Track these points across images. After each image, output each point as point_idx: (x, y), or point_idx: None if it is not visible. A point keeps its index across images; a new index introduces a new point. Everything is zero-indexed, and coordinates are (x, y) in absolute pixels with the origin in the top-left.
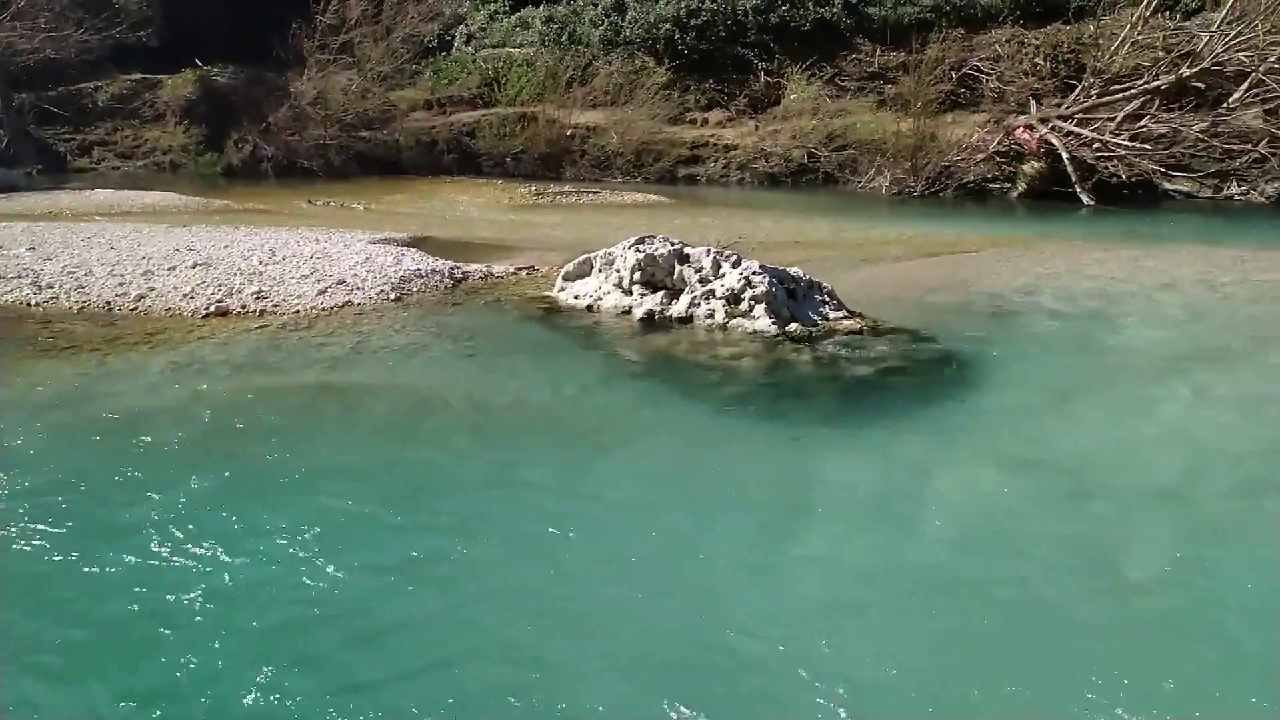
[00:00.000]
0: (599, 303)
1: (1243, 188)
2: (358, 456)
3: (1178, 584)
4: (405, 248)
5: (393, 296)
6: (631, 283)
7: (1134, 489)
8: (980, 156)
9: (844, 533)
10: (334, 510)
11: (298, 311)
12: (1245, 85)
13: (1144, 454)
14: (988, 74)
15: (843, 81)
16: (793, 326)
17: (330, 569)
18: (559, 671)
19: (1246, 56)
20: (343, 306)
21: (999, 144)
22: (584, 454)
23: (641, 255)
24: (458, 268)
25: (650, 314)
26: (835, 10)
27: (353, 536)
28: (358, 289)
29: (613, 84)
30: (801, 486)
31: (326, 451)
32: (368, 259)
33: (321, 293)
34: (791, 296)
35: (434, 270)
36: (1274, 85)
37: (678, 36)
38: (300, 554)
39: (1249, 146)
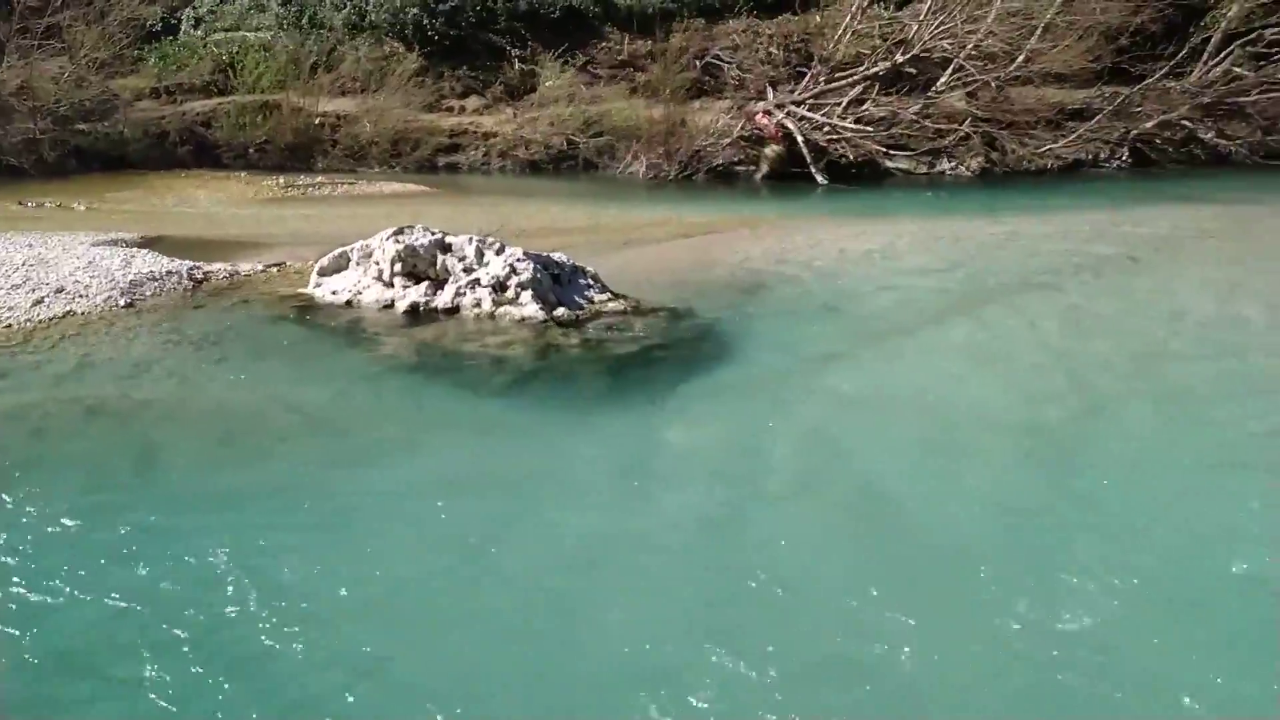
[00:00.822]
0: (359, 297)
1: (952, 164)
2: (86, 483)
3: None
4: (136, 249)
5: (123, 303)
6: (393, 275)
7: (881, 434)
8: (727, 141)
9: (606, 502)
10: (54, 540)
11: (9, 326)
12: (949, 70)
13: (887, 406)
14: (728, 62)
15: (595, 69)
16: (560, 311)
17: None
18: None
19: (949, 44)
20: (64, 317)
21: (742, 129)
22: (350, 453)
23: (401, 246)
24: (198, 268)
25: (414, 306)
26: None
27: (86, 565)
28: (81, 296)
29: (361, 70)
30: (570, 463)
31: (44, 480)
32: (91, 263)
33: (38, 303)
34: (557, 281)
35: (170, 271)
36: (972, 70)
37: (426, 22)
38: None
39: (956, 126)
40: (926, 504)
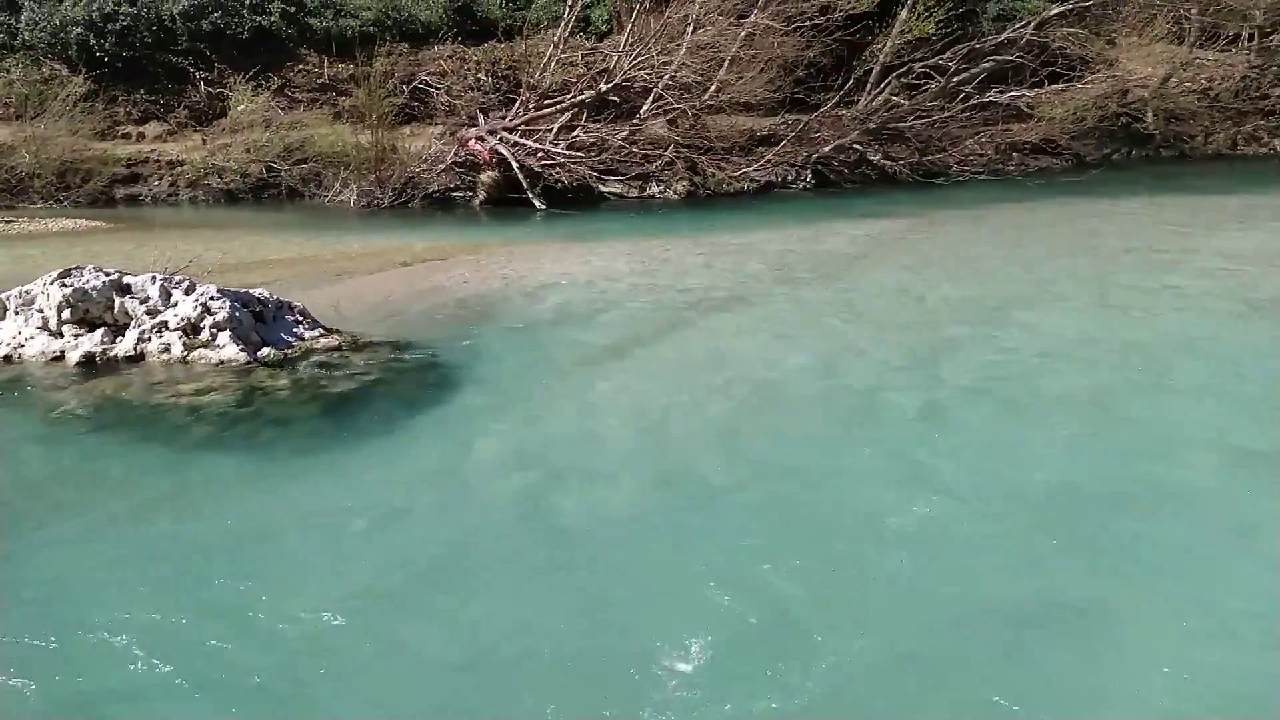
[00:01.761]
0: (20, 350)
1: (660, 187)
2: None
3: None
4: None
5: None
6: (61, 323)
7: (599, 458)
8: (441, 167)
9: (320, 562)
10: None
11: None
12: (650, 99)
13: (607, 430)
14: (436, 88)
15: (294, 93)
16: (265, 351)
17: None
18: None
19: (647, 74)
20: None
21: (456, 155)
22: (20, 531)
23: (69, 290)
24: None
25: (90, 356)
26: (274, 19)
27: None
28: None
29: (15, 95)
30: (281, 520)
31: None
32: None
33: None
34: (260, 320)
35: None
36: (671, 99)
37: (93, 42)
38: None
39: (661, 152)
40: (649, 535)
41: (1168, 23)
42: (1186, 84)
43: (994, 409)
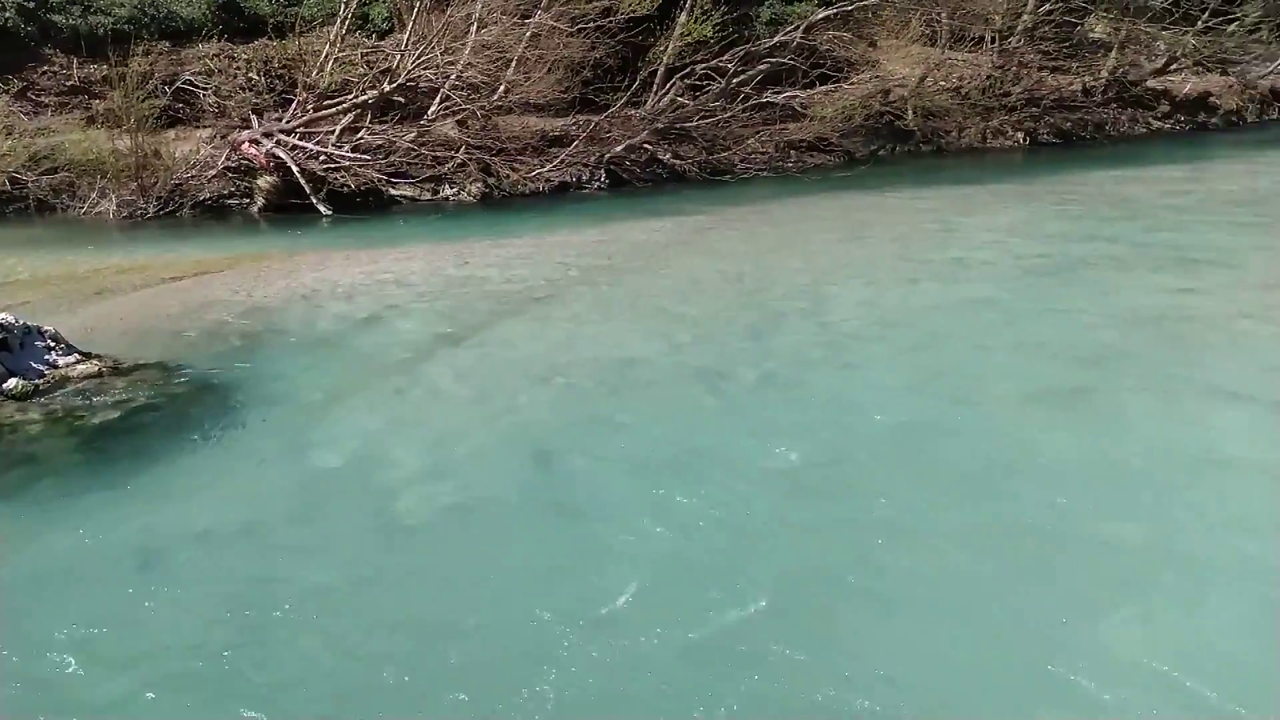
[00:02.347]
0: None
1: (454, 189)
2: None
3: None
4: None
5: None
6: None
7: (386, 475)
8: (212, 173)
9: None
10: None
11: None
12: (437, 100)
13: (400, 445)
14: (203, 89)
15: (39, 96)
16: (12, 383)
17: None
18: None
19: (432, 74)
20: None
21: (228, 159)
22: None
23: None
24: None
25: None
26: (9, 15)
27: None
28: None
29: None
30: (35, 564)
31: None
32: None
33: None
34: (5, 348)
35: None
36: (458, 100)
37: None
38: None
39: (452, 154)
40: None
41: (921, 26)
42: (941, 83)
43: (830, 369)
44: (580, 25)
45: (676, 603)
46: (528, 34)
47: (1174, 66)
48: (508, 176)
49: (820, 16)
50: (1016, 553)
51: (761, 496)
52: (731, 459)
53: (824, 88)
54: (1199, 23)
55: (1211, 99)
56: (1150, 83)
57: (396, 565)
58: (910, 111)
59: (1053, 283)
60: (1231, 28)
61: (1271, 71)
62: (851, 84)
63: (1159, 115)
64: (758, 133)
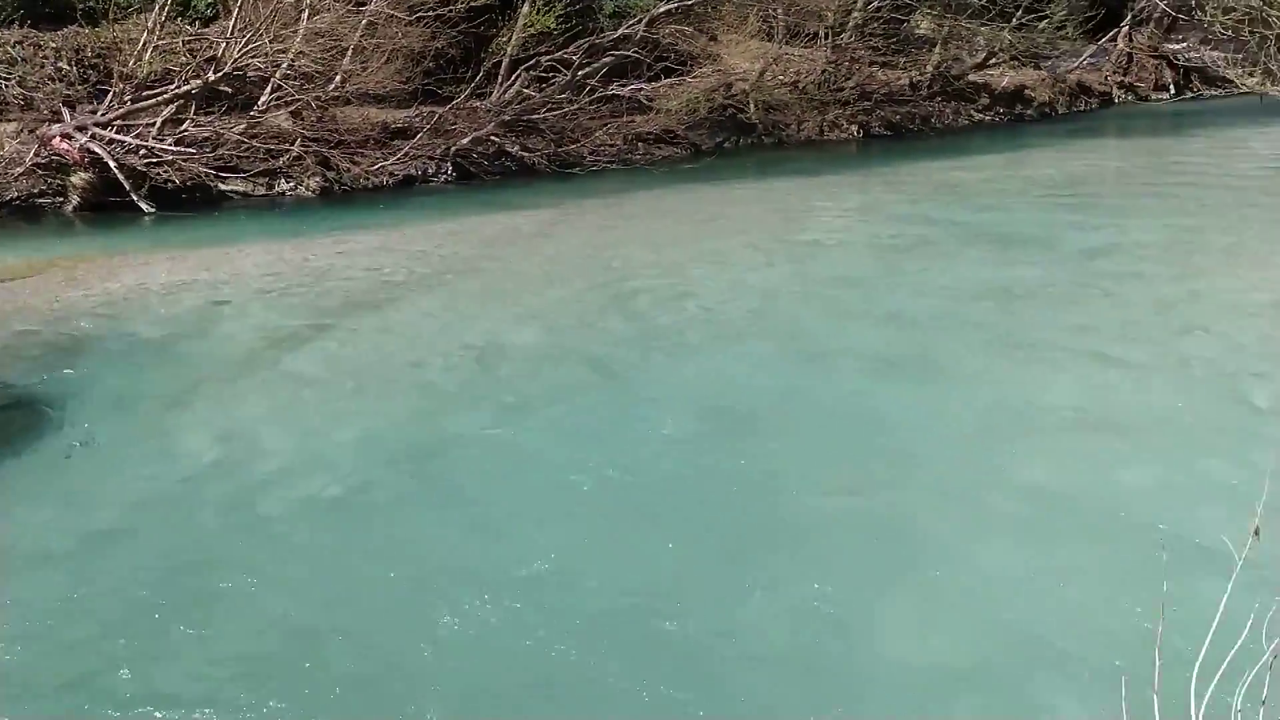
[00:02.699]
0: None
1: (291, 184)
2: None
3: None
4: None
5: None
6: None
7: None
8: (19, 170)
9: None
10: None
11: None
12: (268, 90)
13: (243, 457)
14: (5, 79)
15: None
16: None
17: None
18: None
19: (262, 63)
20: None
21: (37, 155)
22: None
23: None
24: None
25: None
26: None
27: None
28: None
29: None
30: None
31: None
32: None
33: None
34: None
35: None
36: (291, 90)
37: None
38: None
39: (287, 146)
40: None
41: (759, 22)
42: (779, 77)
43: (703, 340)
44: (419, 14)
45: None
46: (363, 21)
47: (992, 61)
48: (348, 170)
49: (662, 10)
50: (877, 490)
51: (662, 460)
52: (625, 432)
53: (668, 81)
54: (1014, 19)
55: (1027, 92)
56: (971, 77)
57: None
58: (752, 105)
59: (899, 259)
60: (1042, 24)
61: (1078, 66)
62: (695, 77)
63: (980, 108)
64: (605, 125)
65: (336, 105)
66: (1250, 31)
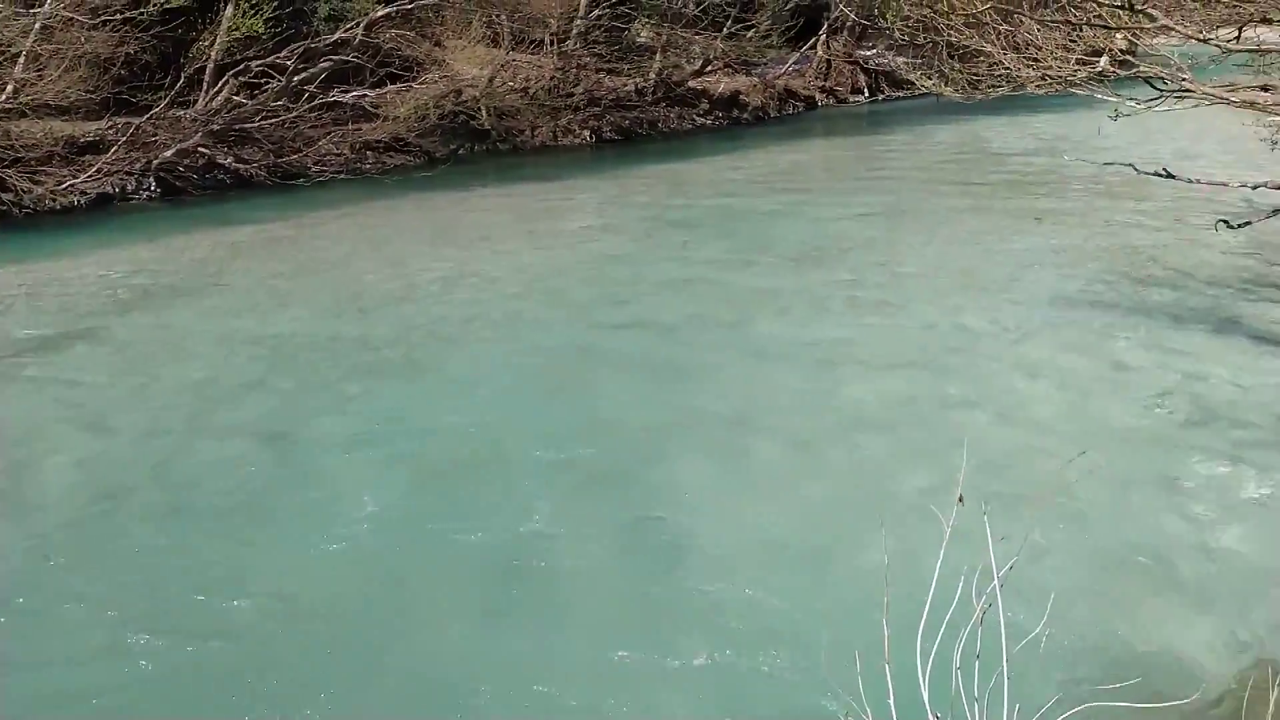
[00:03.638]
0: None
1: None
2: None
3: None
4: None
5: None
6: None
7: None
8: None
9: None
10: None
11: None
12: None
13: None
14: None
15: None
16: None
17: None
18: None
19: None
20: None
21: None
22: None
23: None
24: None
25: None
26: None
27: None
28: None
29: None
30: None
31: None
32: None
33: None
34: None
35: None
36: None
37: None
38: None
39: None
40: None
41: (483, 27)
42: (509, 83)
43: (499, 322)
44: (103, 17)
45: None
46: (37, 25)
47: (709, 69)
48: (29, 191)
49: (381, 14)
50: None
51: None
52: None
53: (394, 87)
54: (725, 29)
55: (742, 97)
56: (691, 83)
57: None
58: (484, 111)
59: (638, 251)
60: (750, 34)
61: (784, 72)
62: (422, 83)
63: (701, 112)
64: (329, 133)
65: (10, 118)
66: (924, 38)
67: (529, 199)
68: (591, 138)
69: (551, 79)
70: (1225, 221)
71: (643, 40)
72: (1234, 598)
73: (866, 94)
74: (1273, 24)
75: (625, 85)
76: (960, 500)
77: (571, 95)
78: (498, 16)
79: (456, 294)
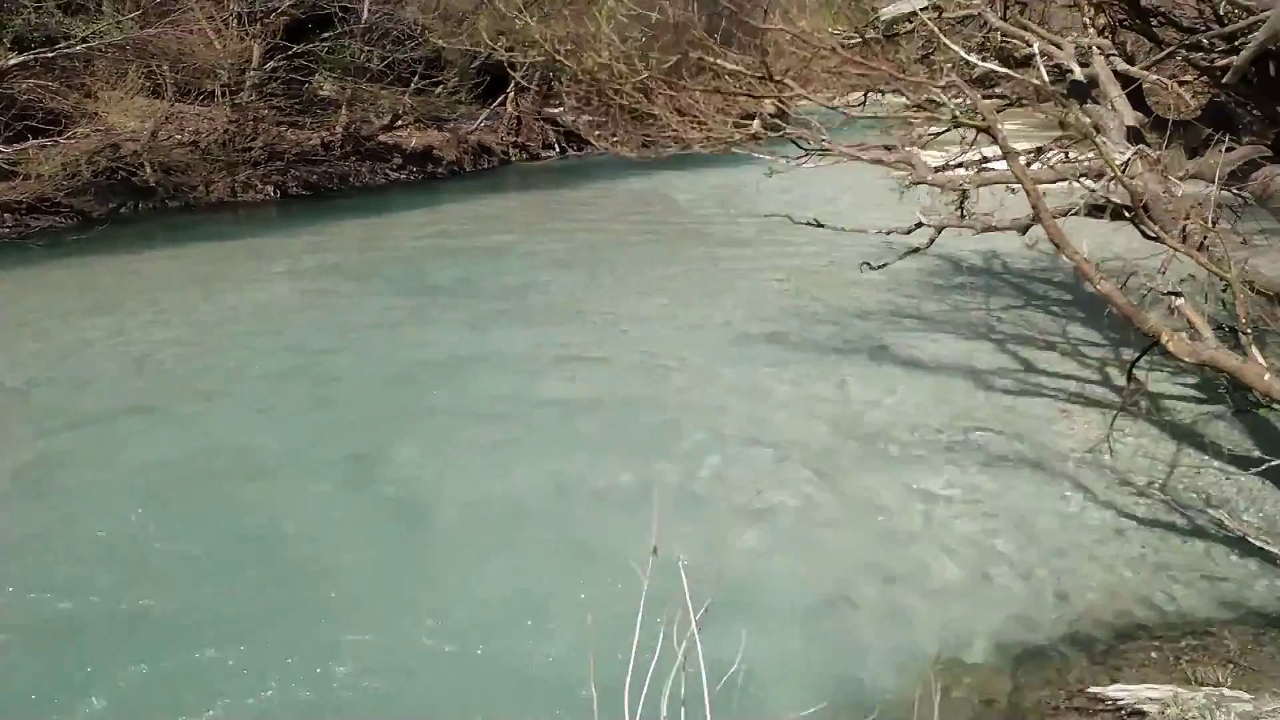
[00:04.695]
0: None
1: None
2: None
3: None
4: None
5: None
6: None
7: None
8: None
9: None
10: None
11: None
12: None
13: None
14: None
15: None
16: None
17: None
18: None
19: None
20: None
21: None
22: None
23: None
24: None
25: None
26: None
27: None
28: None
29: None
30: None
31: None
32: None
33: None
34: None
35: None
36: None
37: None
38: None
39: None
40: None
41: (141, 78)
42: (176, 136)
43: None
44: None
45: None
46: None
47: (399, 123)
48: None
49: (14, 62)
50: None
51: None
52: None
53: (37, 142)
54: (412, 84)
55: (435, 151)
56: (382, 137)
57: None
58: (148, 166)
59: (315, 311)
60: (438, 90)
61: (476, 128)
62: (72, 138)
63: (394, 167)
64: None
65: None
66: (598, 101)
67: (200, 259)
68: (276, 193)
69: (226, 131)
70: (868, 264)
71: (326, 93)
72: (930, 617)
73: (558, 149)
74: (886, 92)
75: (310, 139)
76: (655, 551)
77: (250, 149)
78: (158, 67)
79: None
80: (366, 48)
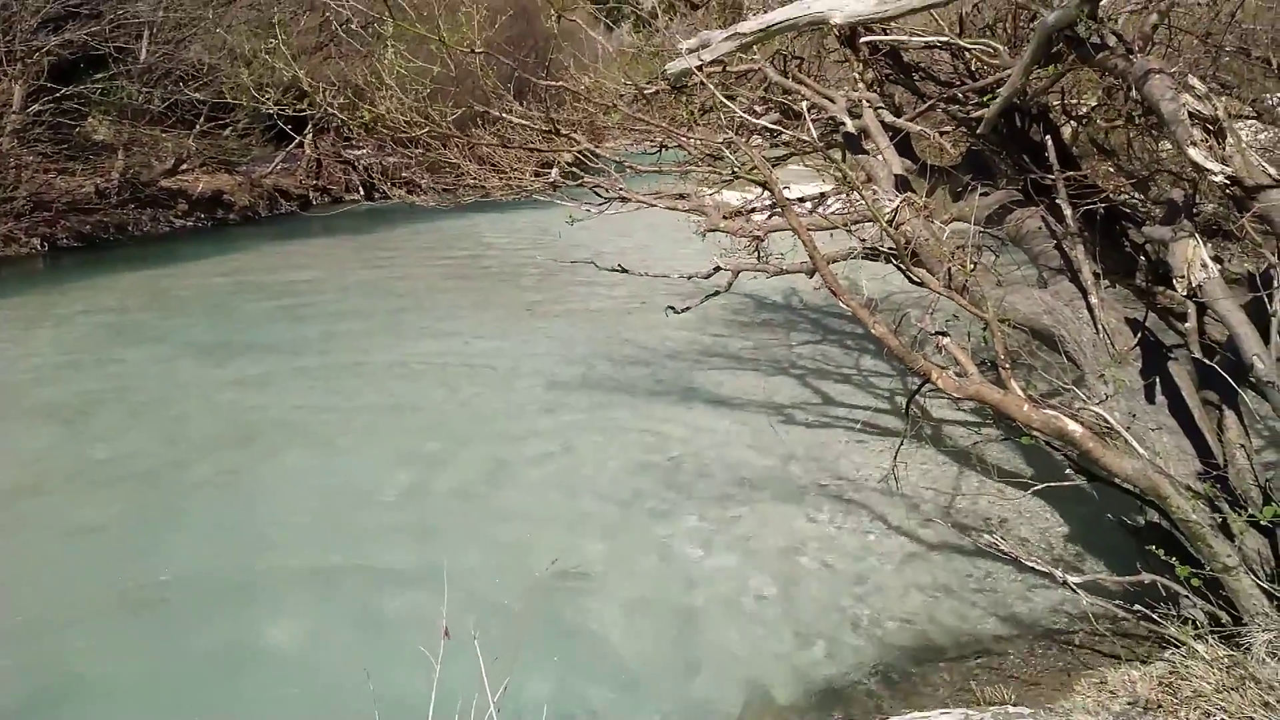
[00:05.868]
0: None
1: None
2: None
3: None
4: None
5: None
6: None
7: None
8: None
9: None
10: None
11: None
12: None
13: None
14: None
15: None
16: None
17: None
18: None
19: None
20: None
21: None
22: None
23: None
24: None
25: None
26: None
27: None
28: None
29: None
30: None
31: None
32: None
33: None
34: None
35: None
36: None
37: None
38: None
39: None
40: None
41: None
42: None
43: None
44: None
45: None
46: None
47: (184, 167)
48: None
49: None
50: None
51: None
52: None
53: None
54: (197, 127)
55: (226, 196)
56: (165, 183)
57: None
58: None
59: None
60: (227, 132)
61: (271, 171)
62: None
63: (180, 213)
64: None
65: None
66: (396, 146)
67: None
68: (43, 245)
69: None
70: (673, 308)
71: (100, 138)
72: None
73: (362, 193)
74: (669, 146)
75: (83, 186)
76: (446, 634)
77: (11, 199)
78: None
79: None
80: (145, 89)
